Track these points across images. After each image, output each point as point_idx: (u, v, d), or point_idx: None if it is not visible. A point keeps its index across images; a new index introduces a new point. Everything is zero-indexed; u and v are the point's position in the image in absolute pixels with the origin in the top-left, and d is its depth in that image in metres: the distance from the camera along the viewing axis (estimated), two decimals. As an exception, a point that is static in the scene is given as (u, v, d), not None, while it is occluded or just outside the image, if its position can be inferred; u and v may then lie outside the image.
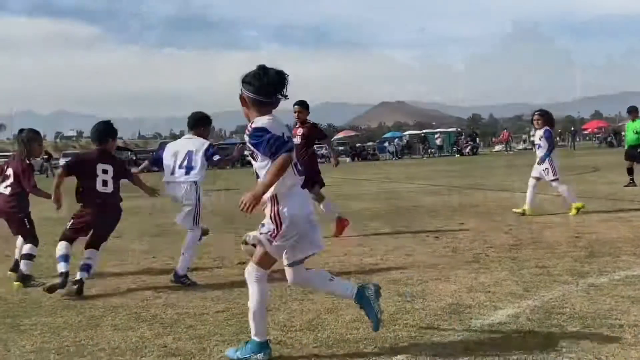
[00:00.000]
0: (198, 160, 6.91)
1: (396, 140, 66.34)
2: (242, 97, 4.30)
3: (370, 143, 78.50)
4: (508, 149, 60.35)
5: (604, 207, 11.82)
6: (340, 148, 71.60)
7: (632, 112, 16.50)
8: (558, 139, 78.87)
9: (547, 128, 11.33)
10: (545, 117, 11.51)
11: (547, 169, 11.24)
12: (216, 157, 7.03)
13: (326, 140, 10.70)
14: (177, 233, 10.97)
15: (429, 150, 61.06)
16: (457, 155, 56.15)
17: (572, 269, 6.56)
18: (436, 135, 64.98)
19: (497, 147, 67.16)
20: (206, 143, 7.04)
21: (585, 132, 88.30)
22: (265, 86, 4.19)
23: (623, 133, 27.52)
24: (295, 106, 9.99)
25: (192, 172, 6.89)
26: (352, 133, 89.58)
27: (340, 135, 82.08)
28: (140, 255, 8.95)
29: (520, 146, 66.50)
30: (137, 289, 6.64)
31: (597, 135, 73.33)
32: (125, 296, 6.34)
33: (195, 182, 6.92)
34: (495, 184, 18.80)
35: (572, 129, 75.17)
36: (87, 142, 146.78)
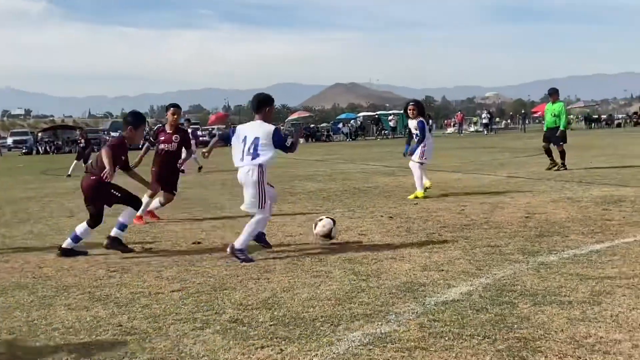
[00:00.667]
0: (265, 148, 6.76)
1: (351, 121, 66.52)
2: None
3: (324, 124, 78.57)
4: (460, 131, 61.10)
5: (553, 188, 12.09)
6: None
7: (553, 94, 16.57)
8: (509, 121, 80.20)
9: (421, 119, 11.99)
10: (419, 108, 12.11)
11: (418, 152, 11.85)
12: (288, 142, 6.93)
13: (189, 151, 10.86)
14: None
15: (383, 132, 61.40)
16: (410, 137, 56.44)
17: (523, 248, 6.71)
18: (390, 117, 65.35)
19: (450, 129, 67.94)
20: (271, 130, 6.84)
21: (536, 115, 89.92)
22: None
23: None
24: (172, 108, 10.08)
25: (258, 158, 6.75)
26: (306, 114, 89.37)
27: (294, 116, 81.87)
28: (93, 234, 8.80)
29: (472, 128, 67.40)
30: (91, 269, 6.56)
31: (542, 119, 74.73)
32: (79, 276, 6.26)
33: (260, 165, 6.76)
34: (448, 165, 19.04)
35: (523, 112, 76.49)
36: (35, 121, 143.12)
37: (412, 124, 12.09)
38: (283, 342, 4.10)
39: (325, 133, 63.30)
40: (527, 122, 70.54)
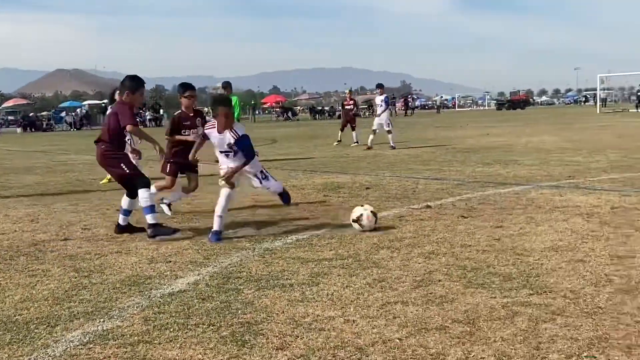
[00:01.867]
0: None
1: (78, 110, 63.27)
2: None
3: (44, 113, 73.45)
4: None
5: (280, 176, 12.61)
6: (11, 117, 65.98)
7: (227, 87, 17.33)
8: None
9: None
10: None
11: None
12: None
13: None
14: None
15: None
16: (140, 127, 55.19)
17: (250, 235, 6.90)
18: (117, 106, 63.12)
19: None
20: None
21: (265, 105, 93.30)
22: None
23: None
24: None
25: None
26: (24, 101, 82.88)
27: (10, 103, 75.54)
28: None
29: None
30: None
31: (275, 109, 77.83)
32: None
33: None
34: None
35: (253, 102, 78.89)
36: None
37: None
38: (-9, 350, 3.74)
39: (46, 122, 59.42)
40: (257, 112, 72.92)
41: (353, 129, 22.28)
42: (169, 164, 8.19)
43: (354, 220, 6.99)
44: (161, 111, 61.57)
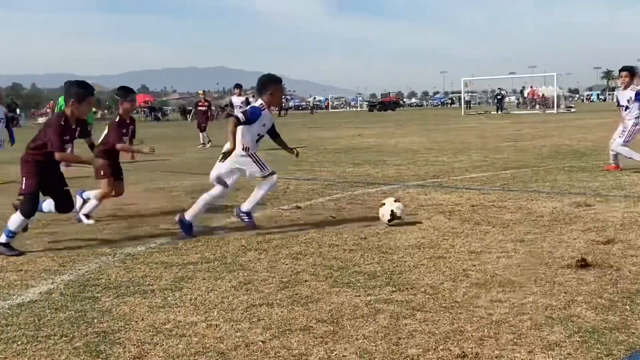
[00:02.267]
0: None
1: None
2: None
3: None
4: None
5: (146, 178, 12.26)
6: None
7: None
8: (107, 112, 79.56)
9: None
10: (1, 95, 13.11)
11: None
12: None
13: None
14: None
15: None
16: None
17: (111, 240, 6.63)
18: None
19: (40, 119, 64.76)
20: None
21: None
22: None
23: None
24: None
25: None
26: None
27: None
28: None
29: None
30: None
31: (144, 109, 75.70)
32: None
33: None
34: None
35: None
36: None
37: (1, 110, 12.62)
38: None
39: None
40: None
41: (203, 129, 21.83)
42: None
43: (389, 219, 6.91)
44: (17, 110, 58.33)
